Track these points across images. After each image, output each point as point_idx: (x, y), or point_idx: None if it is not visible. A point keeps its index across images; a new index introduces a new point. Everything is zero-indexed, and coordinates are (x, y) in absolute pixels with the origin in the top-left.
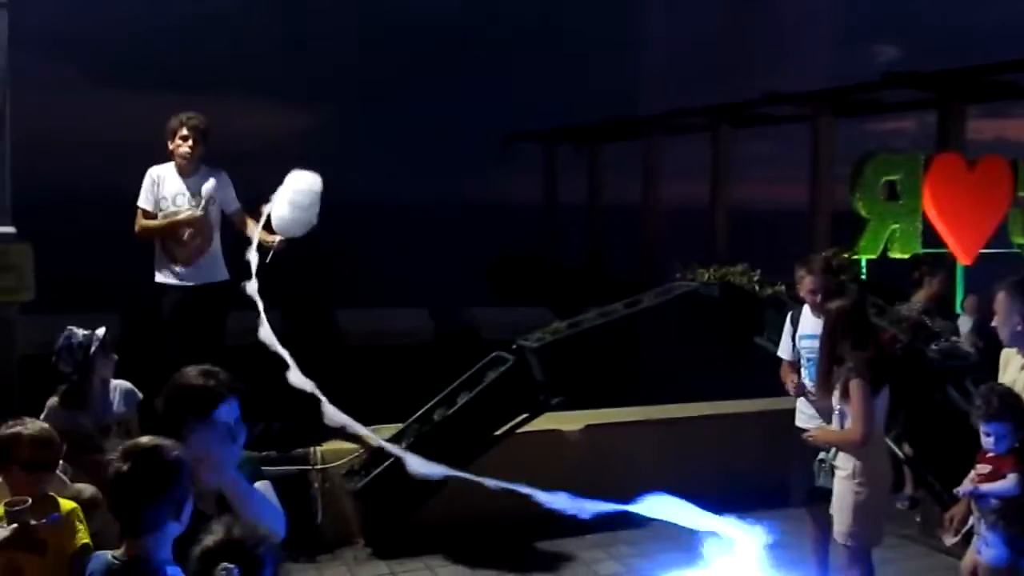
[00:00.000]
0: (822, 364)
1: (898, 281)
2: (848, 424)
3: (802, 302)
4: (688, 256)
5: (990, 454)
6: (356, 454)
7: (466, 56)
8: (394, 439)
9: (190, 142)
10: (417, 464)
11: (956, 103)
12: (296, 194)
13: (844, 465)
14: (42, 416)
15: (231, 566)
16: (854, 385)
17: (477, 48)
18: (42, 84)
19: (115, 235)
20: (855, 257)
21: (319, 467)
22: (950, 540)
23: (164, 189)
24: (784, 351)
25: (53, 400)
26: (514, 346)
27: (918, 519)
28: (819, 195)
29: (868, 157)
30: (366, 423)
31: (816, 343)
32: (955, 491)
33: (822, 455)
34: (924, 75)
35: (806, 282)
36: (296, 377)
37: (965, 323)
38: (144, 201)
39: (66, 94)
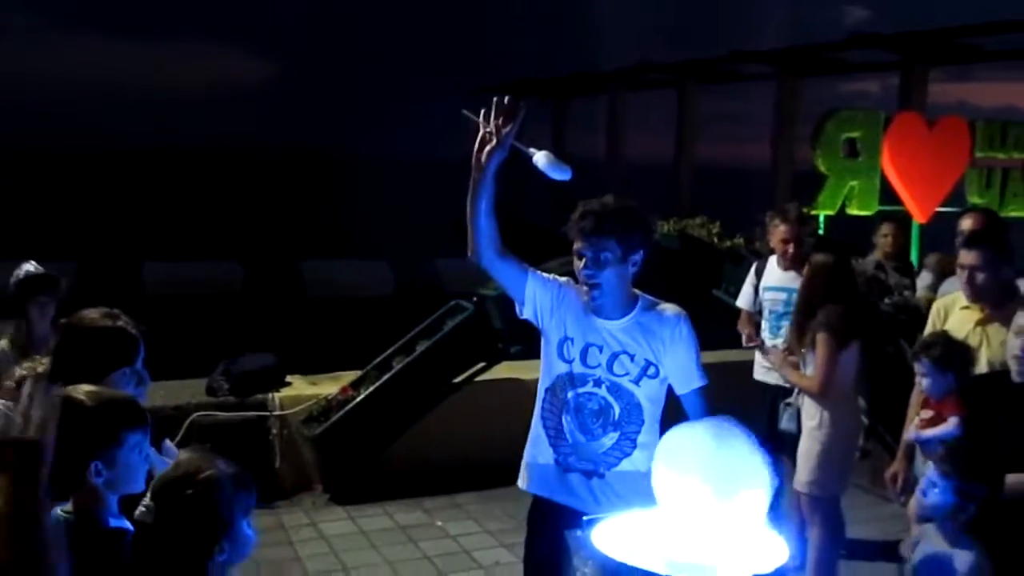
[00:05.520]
0: (797, 316)
1: (855, 238)
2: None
3: (761, 256)
4: (652, 212)
5: (934, 400)
6: (315, 400)
7: (433, 6)
8: (353, 385)
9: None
10: None
11: (919, 65)
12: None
13: (811, 415)
14: None
15: (149, 504)
16: (820, 338)
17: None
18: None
19: (77, 185)
20: (814, 212)
21: (277, 413)
22: (897, 499)
23: None
24: (744, 301)
25: (3, 342)
26: (475, 297)
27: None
28: (782, 153)
29: (830, 114)
30: (328, 371)
31: (779, 295)
32: (903, 438)
33: (789, 399)
34: (888, 36)
35: (780, 230)
36: None
37: (925, 278)
38: None
39: (29, 40)
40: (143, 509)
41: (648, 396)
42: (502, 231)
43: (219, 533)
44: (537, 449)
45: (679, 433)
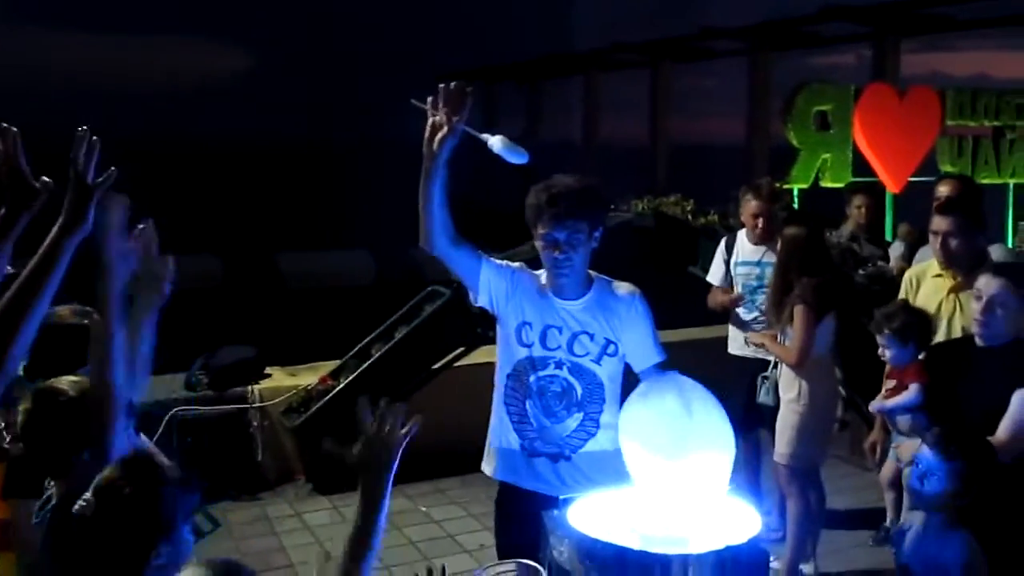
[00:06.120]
0: (774, 291)
1: (830, 211)
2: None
3: (734, 229)
4: (628, 191)
5: (896, 369)
6: (294, 391)
7: None
8: (333, 375)
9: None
10: None
11: (891, 36)
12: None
13: (789, 387)
14: None
15: (89, 499)
16: (798, 311)
17: None
18: None
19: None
20: (787, 187)
21: (257, 405)
22: (876, 468)
23: None
24: (715, 277)
25: None
26: (454, 284)
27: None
28: (757, 129)
29: (800, 87)
30: (311, 363)
31: (752, 270)
32: (869, 408)
33: (766, 372)
34: (858, 8)
35: (751, 206)
36: None
37: (897, 248)
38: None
39: (6, 35)
40: (83, 503)
41: (609, 375)
42: (472, 218)
43: (157, 536)
44: (501, 436)
45: (634, 401)
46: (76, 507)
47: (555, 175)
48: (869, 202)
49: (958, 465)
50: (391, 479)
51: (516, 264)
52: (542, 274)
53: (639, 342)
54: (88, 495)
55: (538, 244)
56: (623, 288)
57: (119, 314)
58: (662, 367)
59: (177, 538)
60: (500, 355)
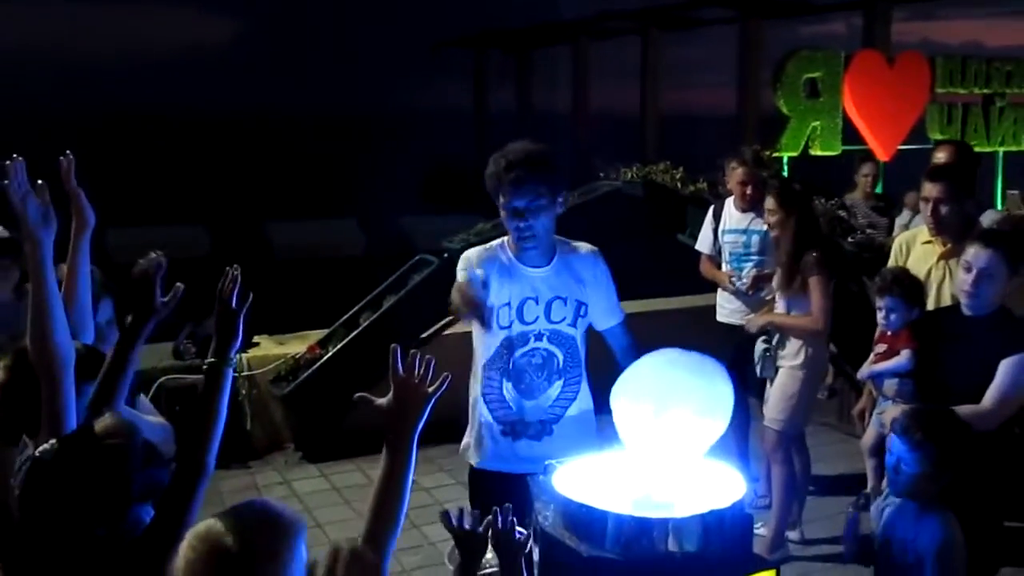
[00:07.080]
0: (789, 260)
1: (819, 179)
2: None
3: (723, 198)
4: (618, 160)
5: (887, 334)
6: (283, 360)
7: None
8: (321, 343)
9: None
10: None
11: (882, 3)
12: None
13: (794, 354)
14: None
15: (54, 444)
16: (815, 281)
17: None
18: None
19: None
20: (777, 155)
21: (245, 374)
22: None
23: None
24: (704, 245)
25: None
26: (445, 253)
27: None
28: (748, 98)
29: (790, 55)
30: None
31: (739, 237)
32: (857, 376)
33: (765, 344)
34: None
35: (737, 173)
36: None
37: (905, 217)
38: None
39: None
40: (47, 447)
41: (581, 336)
42: (470, 184)
43: (107, 506)
44: (482, 425)
45: (638, 365)
46: (39, 450)
47: (510, 143)
48: (876, 170)
49: (928, 450)
50: (418, 433)
51: (474, 256)
52: (503, 243)
53: (604, 301)
54: (54, 442)
55: (502, 214)
56: (584, 248)
57: (52, 278)
58: (626, 324)
59: (126, 513)
60: (478, 344)
